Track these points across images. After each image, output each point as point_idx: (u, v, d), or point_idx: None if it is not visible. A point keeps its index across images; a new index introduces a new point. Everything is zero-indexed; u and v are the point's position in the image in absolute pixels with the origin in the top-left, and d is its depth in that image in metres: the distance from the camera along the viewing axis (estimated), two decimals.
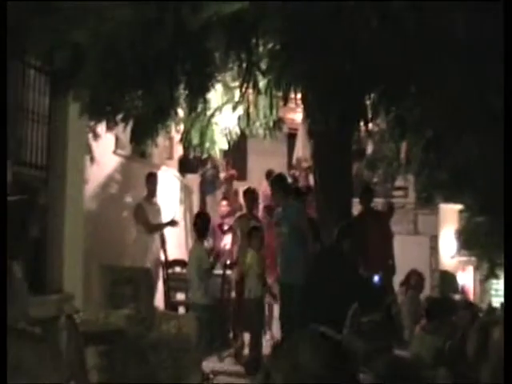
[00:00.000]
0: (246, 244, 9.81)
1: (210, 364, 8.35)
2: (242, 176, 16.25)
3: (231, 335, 10.33)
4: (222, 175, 14.77)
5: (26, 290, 4.74)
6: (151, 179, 10.62)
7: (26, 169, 8.09)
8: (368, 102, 7.68)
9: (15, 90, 7.79)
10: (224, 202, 12.70)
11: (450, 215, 14.85)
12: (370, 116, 7.87)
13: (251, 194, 10.97)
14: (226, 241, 11.97)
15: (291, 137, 14.48)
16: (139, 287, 8.05)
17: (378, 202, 12.24)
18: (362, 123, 8.15)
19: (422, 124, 8.00)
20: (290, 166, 15.80)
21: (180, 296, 10.69)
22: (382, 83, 7.17)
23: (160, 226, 10.51)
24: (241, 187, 13.93)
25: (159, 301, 9.90)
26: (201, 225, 9.77)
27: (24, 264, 4.75)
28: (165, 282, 10.10)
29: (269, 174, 15.14)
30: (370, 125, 8.39)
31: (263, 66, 7.01)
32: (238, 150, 14.04)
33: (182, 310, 10.20)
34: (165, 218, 10.80)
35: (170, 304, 10.01)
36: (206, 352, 8.27)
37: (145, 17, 6.07)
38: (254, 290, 9.36)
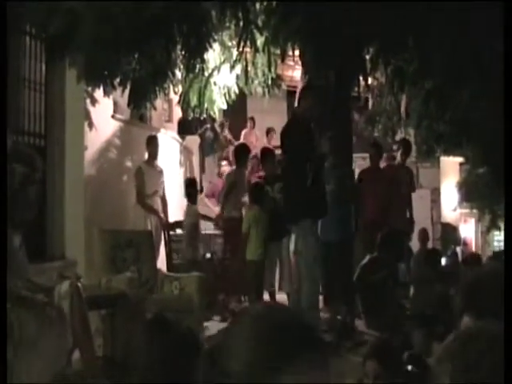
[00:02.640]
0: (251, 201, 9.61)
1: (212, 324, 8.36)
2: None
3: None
4: (222, 136, 14.77)
5: (26, 257, 4.75)
6: (152, 142, 10.56)
7: (24, 137, 8.06)
8: (367, 56, 7.63)
9: (12, 59, 7.74)
10: (224, 162, 12.66)
11: (450, 168, 14.86)
12: (368, 70, 7.84)
13: (242, 149, 10.80)
14: None
15: (290, 94, 14.37)
16: (140, 250, 8.03)
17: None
18: (360, 77, 8.11)
19: (422, 76, 7.94)
20: None
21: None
22: (379, 36, 7.11)
23: (152, 210, 10.29)
24: None
25: (161, 263, 9.92)
26: (192, 191, 10.16)
27: (24, 232, 4.75)
28: (166, 243, 10.11)
29: (268, 132, 15.17)
30: (369, 79, 8.34)
31: (260, 23, 6.95)
32: (237, 110, 13.97)
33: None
34: (166, 181, 10.76)
35: (173, 266, 10.04)
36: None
37: None
38: (254, 249, 9.16)
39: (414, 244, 11.38)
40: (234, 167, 10.72)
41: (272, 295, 9.74)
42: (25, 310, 4.35)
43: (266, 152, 10.48)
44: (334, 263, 8.67)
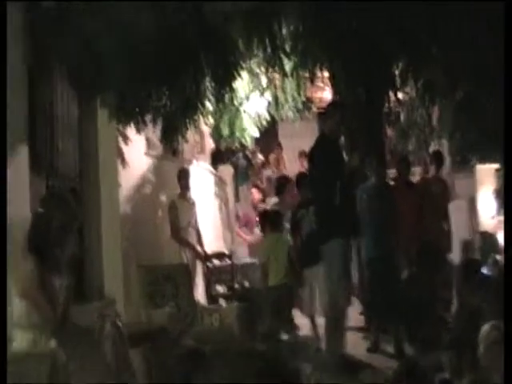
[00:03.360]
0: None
1: None
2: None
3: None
4: (255, 163, 14.78)
5: (69, 300, 4.75)
6: (183, 175, 10.59)
7: (59, 180, 8.09)
8: (396, 71, 7.60)
9: (44, 101, 7.80)
10: (254, 190, 12.62)
11: (486, 175, 14.64)
12: (398, 84, 7.80)
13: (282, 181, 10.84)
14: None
15: (320, 116, 14.35)
16: (178, 284, 8.04)
17: (416, 171, 12.16)
18: (391, 93, 8.07)
19: (451, 87, 7.88)
20: None
21: (220, 289, 10.68)
22: (407, 50, 7.08)
23: (187, 243, 10.24)
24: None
25: (200, 295, 9.89)
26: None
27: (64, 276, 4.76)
28: (204, 275, 10.09)
29: (300, 155, 15.14)
30: (400, 94, 8.29)
31: (288, 48, 6.94)
32: (268, 135, 13.98)
33: (222, 302, 10.19)
34: (199, 213, 10.75)
35: (211, 297, 10.02)
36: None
37: (166, 17, 6.03)
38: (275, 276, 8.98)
39: (458, 256, 11.25)
40: (277, 199, 10.83)
41: (312, 321, 9.63)
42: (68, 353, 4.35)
43: (302, 176, 10.46)
44: (377, 280, 8.64)
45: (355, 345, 8.64)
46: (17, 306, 4.33)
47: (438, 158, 10.80)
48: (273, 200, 12.16)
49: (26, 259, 4.45)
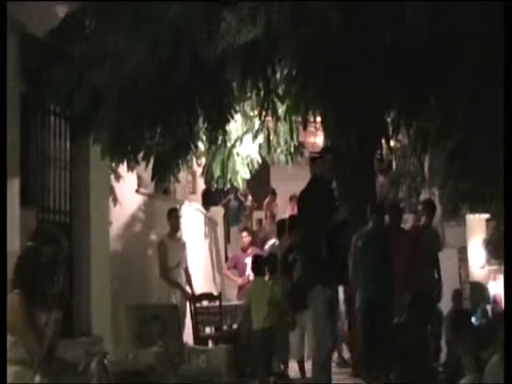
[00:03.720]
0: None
1: None
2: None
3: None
4: (246, 205, 14.82)
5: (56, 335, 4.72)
6: (173, 214, 10.56)
7: (50, 215, 8.10)
8: (388, 119, 7.65)
9: (38, 138, 7.85)
10: (244, 233, 12.60)
11: (477, 225, 14.69)
12: (390, 132, 7.84)
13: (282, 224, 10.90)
14: (250, 271, 11.94)
15: (313, 160, 14.40)
16: (167, 324, 8.00)
17: (406, 218, 12.17)
18: (383, 140, 8.11)
19: (443, 136, 7.92)
20: None
21: (208, 330, 10.63)
22: (400, 98, 7.13)
23: (175, 284, 10.10)
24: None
25: (188, 336, 9.84)
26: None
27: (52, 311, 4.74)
28: (192, 316, 10.04)
29: (291, 199, 15.19)
30: (392, 141, 8.34)
31: (281, 92, 6.98)
32: (260, 178, 14.03)
33: (210, 344, 10.14)
34: (190, 254, 10.73)
35: (199, 338, 9.95)
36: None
37: (160, 55, 6.08)
38: (257, 320, 8.92)
39: (447, 305, 11.24)
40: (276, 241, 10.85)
41: (301, 365, 9.59)
42: None
43: (293, 220, 10.48)
44: (368, 327, 8.68)
45: None
46: None
47: (429, 206, 10.82)
48: (271, 242, 12.20)
49: (13, 294, 4.44)
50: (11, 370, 4.28)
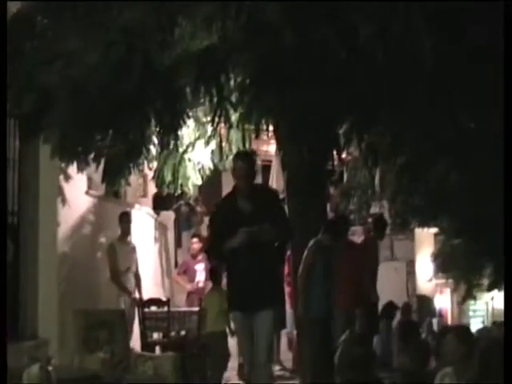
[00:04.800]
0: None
1: None
2: None
3: None
4: (197, 211, 14.78)
5: None
6: (124, 218, 10.50)
7: None
8: (340, 131, 7.69)
9: None
10: (195, 239, 12.59)
11: (425, 239, 14.88)
12: (342, 145, 7.88)
13: None
14: (200, 278, 11.94)
15: (265, 169, 14.47)
16: (114, 330, 7.93)
17: (356, 230, 12.27)
18: (334, 152, 8.15)
19: (394, 151, 8.00)
20: None
21: (156, 335, 10.57)
22: (352, 112, 7.17)
23: (125, 289, 10.13)
24: None
25: (136, 341, 9.76)
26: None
27: None
28: (140, 321, 9.97)
29: None
30: (344, 153, 8.39)
31: (234, 99, 6.99)
32: (212, 185, 14.03)
33: (158, 350, 10.08)
34: (139, 258, 10.66)
35: (147, 344, 9.89)
36: None
37: (113, 58, 6.04)
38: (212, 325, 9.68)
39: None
40: None
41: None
42: None
43: None
44: (317, 339, 8.69)
45: None
46: None
47: (378, 223, 10.88)
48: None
49: None
50: None
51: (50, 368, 4.78)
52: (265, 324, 6.35)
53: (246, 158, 6.62)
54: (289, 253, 9.20)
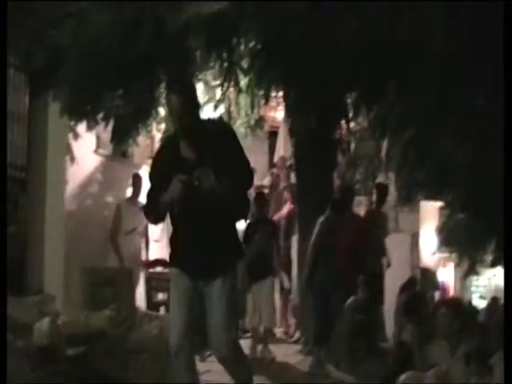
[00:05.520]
0: None
1: None
2: None
3: None
4: None
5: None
6: (136, 180, 10.57)
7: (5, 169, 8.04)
8: (349, 101, 7.69)
9: None
10: None
11: (430, 212, 14.81)
12: (350, 114, 7.89)
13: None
14: None
15: (272, 135, 14.44)
16: (120, 288, 8.01)
17: (361, 200, 12.29)
18: (343, 121, 8.18)
19: (402, 124, 8.00)
20: (271, 164, 15.80)
21: (161, 296, 10.68)
22: (362, 81, 7.17)
23: (117, 251, 10.16)
24: None
25: (140, 301, 9.86)
26: None
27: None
28: (146, 281, 10.04)
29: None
30: (352, 123, 8.41)
31: (244, 64, 7.00)
32: None
33: (163, 310, 10.18)
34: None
35: (152, 304, 9.98)
36: None
37: (124, 18, 6.05)
38: None
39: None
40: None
41: (254, 332, 9.76)
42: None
43: (258, 195, 10.87)
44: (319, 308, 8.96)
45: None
46: None
47: (380, 190, 10.94)
48: None
49: None
50: None
51: (60, 322, 4.86)
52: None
53: (180, 88, 4.99)
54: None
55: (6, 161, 5.40)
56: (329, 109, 7.26)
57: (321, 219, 9.03)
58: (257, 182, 15.04)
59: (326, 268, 9.05)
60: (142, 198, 10.65)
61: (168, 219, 5.11)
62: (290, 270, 10.92)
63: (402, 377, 5.67)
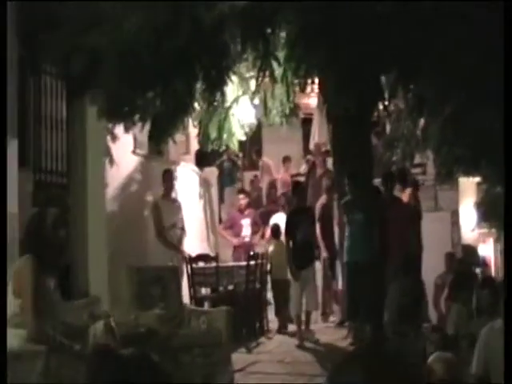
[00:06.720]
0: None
1: (238, 356, 8.30)
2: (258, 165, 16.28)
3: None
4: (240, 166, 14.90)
5: (60, 298, 4.76)
6: (167, 176, 10.58)
7: (47, 176, 8.10)
8: (385, 83, 7.66)
9: (33, 98, 7.81)
10: (241, 195, 12.64)
11: (468, 188, 14.75)
12: (387, 96, 7.86)
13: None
14: (246, 233, 12.03)
15: (305, 122, 14.41)
16: (167, 286, 8.01)
17: None
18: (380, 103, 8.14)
19: (441, 101, 7.94)
20: (305, 151, 15.77)
21: (204, 291, 10.73)
22: (398, 62, 7.13)
23: (171, 245, 10.31)
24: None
25: (184, 297, 9.90)
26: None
27: (56, 273, 4.76)
28: (189, 277, 10.08)
29: (285, 161, 15.20)
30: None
31: (281, 55, 6.99)
32: (252, 140, 14.12)
33: (206, 305, 10.22)
34: (185, 214, 10.77)
35: (196, 299, 10.02)
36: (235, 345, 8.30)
37: (159, 19, 6.06)
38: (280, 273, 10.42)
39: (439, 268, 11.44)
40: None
41: (298, 318, 9.79)
42: (62, 359, 4.35)
43: (296, 184, 10.98)
44: (362, 284, 8.86)
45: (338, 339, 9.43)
46: (11, 304, 4.33)
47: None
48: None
49: (24, 258, 4.44)
50: (18, 335, 4.30)
51: (113, 324, 4.87)
52: None
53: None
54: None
55: (5, 160, 5.43)
56: (366, 91, 7.22)
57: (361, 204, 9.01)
58: (293, 170, 15.10)
59: (364, 252, 9.01)
60: (178, 194, 10.76)
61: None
62: (333, 257, 10.92)
63: (431, 357, 5.59)
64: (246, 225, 12.04)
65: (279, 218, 11.32)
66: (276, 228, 10.90)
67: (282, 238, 10.36)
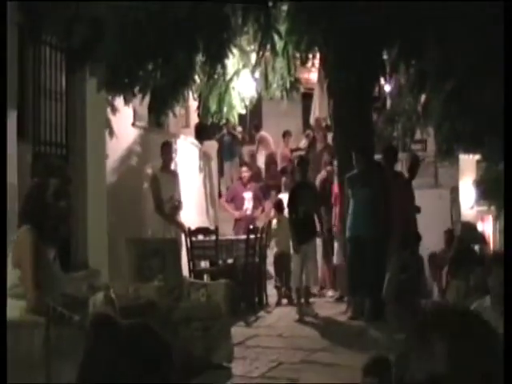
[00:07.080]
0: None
1: (237, 330, 8.32)
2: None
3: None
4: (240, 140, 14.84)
5: (61, 270, 4.75)
6: (166, 148, 10.49)
7: (46, 148, 8.08)
8: (386, 58, 7.63)
9: (32, 69, 7.76)
10: (244, 168, 12.59)
11: (468, 166, 14.74)
12: (389, 71, 7.83)
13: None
14: (248, 206, 11.98)
15: (305, 97, 14.36)
16: (166, 258, 8.00)
17: (399, 157, 12.20)
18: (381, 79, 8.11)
19: (443, 75, 7.91)
20: (305, 126, 15.72)
21: (203, 264, 10.73)
22: (400, 37, 7.10)
23: (171, 219, 10.15)
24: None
25: (183, 269, 9.90)
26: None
27: (56, 245, 4.75)
28: (188, 250, 10.06)
29: (285, 135, 15.16)
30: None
31: (282, 28, 6.95)
32: (252, 114, 14.07)
33: (205, 278, 10.23)
34: (184, 187, 10.74)
35: (195, 272, 10.02)
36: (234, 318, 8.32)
37: None
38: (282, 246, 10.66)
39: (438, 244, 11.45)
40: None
41: (298, 291, 9.82)
42: (61, 329, 4.35)
43: (300, 159, 10.85)
44: (365, 258, 8.93)
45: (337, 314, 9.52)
46: (10, 275, 4.31)
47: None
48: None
49: (23, 229, 4.42)
50: (18, 305, 4.29)
51: (113, 296, 4.86)
52: None
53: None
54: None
55: (5, 131, 5.41)
56: (367, 66, 7.19)
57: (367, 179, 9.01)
58: (293, 144, 15.07)
59: (367, 226, 9.04)
60: (178, 167, 10.72)
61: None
62: (333, 232, 10.93)
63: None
64: (247, 198, 11.98)
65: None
66: (279, 202, 11.03)
67: (286, 212, 10.34)
